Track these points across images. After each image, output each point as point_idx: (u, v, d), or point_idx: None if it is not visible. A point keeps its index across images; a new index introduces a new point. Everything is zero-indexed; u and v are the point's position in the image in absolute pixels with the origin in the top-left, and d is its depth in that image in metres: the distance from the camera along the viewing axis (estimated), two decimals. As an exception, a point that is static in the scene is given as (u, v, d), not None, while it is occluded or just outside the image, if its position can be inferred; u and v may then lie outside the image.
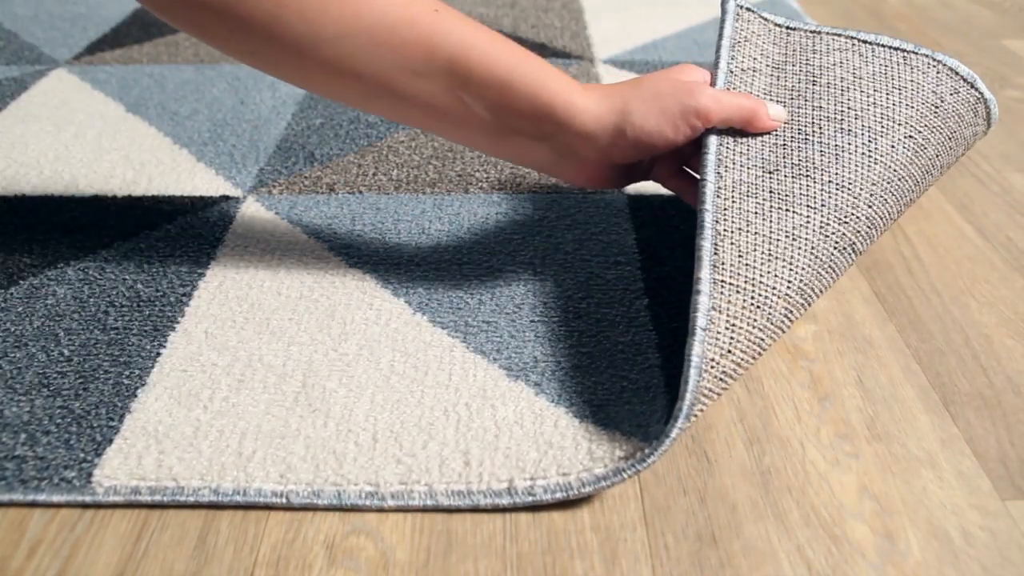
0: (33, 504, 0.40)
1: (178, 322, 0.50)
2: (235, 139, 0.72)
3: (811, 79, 0.49)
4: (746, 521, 0.39)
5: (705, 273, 0.41)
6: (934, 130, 0.47)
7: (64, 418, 0.44)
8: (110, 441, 0.42)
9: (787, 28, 0.53)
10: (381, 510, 0.40)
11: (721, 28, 0.51)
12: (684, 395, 0.38)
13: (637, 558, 0.38)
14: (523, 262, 0.56)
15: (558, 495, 0.39)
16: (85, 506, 0.40)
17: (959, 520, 0.39)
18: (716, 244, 0.42)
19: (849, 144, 0.45)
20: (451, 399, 0.45)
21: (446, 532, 0.39)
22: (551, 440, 0.42)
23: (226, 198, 0.63)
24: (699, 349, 0.38)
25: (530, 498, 0.39)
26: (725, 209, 0.43)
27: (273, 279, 0.54)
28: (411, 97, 0.44)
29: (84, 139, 0.71)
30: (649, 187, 0.63)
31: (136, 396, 0.45)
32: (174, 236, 0.58)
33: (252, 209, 0.62)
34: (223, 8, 0.40)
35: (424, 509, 0.40)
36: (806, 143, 0.46)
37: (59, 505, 0.40)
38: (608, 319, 0.50)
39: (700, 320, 0.39)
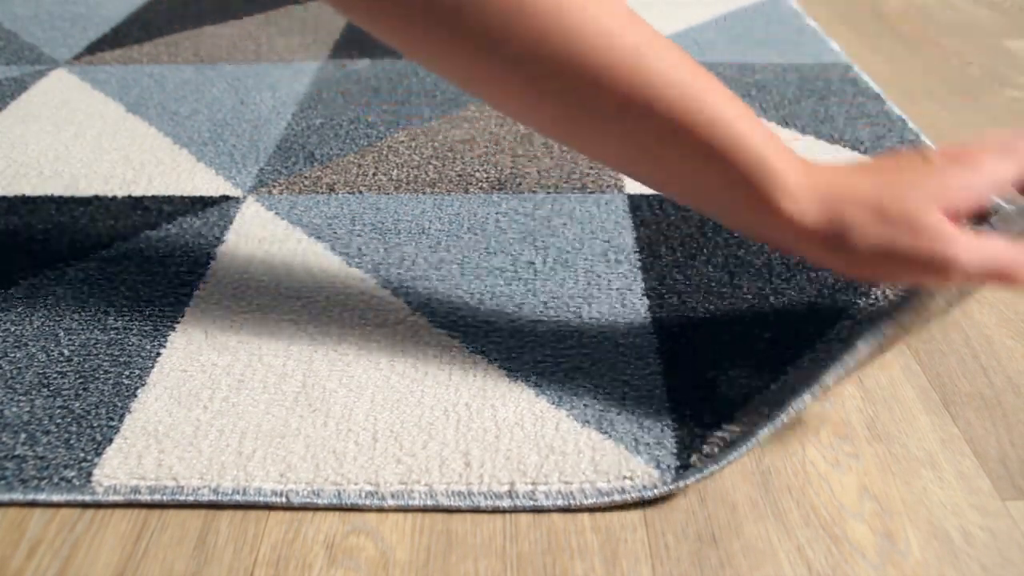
0: (33, 504, 0.40)
1: (178, 322, 0.50)
2: (235, 139, 0.72)
3: None
4: (746, 521, 0.39)
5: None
6: None
7: (64, 418, 0.44)
8: (110, 441, 0.42)
9: None
10: (381, 510, 0.40)
11: None
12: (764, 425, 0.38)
13: (637, 558, 0.38)
14: (523, 262, 0.56)
15: (559, 502, 0.39)
16: (85, 506, 0.40)
17: (959, 520, 0.39)
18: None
19: None
20: (451, 399, 0.45)
21: (446, 532, 0.39)
22: (552, 444, 0.42)
23: (226, 198, 0.63)
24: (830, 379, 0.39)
25: (531, 503, 0.39)
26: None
27: (273, 279, 0.54)
28: (598, 140, 0.37)
29: (84, 139, 0.71)
30: (649, 187, 0.63)
31: (136, 396, 0.45)
32: (174, 236, 0.58)
33: (252, 209, 0.62)
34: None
35: (424, 509, 0.40)
36: None
37: (59, 505, 0.40)
38: (608, 320, 0.50)
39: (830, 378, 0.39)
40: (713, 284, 0.53)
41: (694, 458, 0.40)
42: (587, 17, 0.34)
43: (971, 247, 0.34)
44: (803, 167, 0.36)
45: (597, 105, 0.35)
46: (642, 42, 0.35)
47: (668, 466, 0.40)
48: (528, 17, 0.34)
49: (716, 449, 0.40)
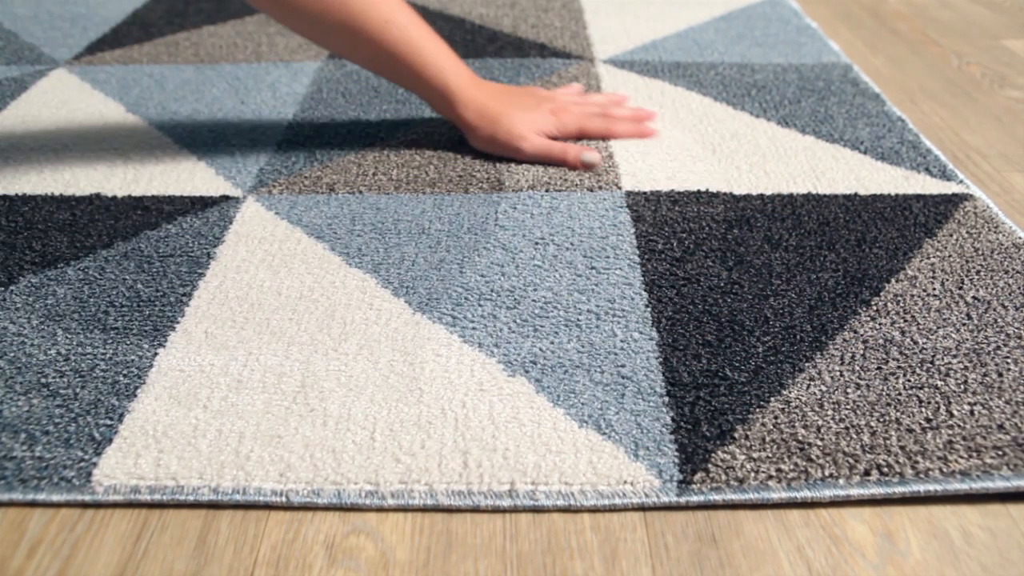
0: (33, 504, 0.40)
1: (178, 322, 0.50)
2: (235, 139, 0.72)
3: None
4: (746, 521, 0.39)
5: None
6: None
7: (63, 418, 0.44)
8: (109, 440, 0.42)
9: None
10: (381, 509, 0.40)
11: None
12: None
13: (637, 558, 0.38)
14: (523, 259, 0.56)
15: (560, 503, 0.39)
16: (85, 506, 0.40)
17: (959, 520, 0.39)
18: None
19: None
20: (449, 398, 0.45)
21: (446, 532, 0.39)
22: (549, 444, 0.42)
23: (226, 198, 0.63)
24: None
25: (532, 502, 0.39)
26: None
27: (273, 279, 0.54)
28: (369, 64, 0.66)
29: (84, 139, 0.71)
30: (649, 184, 0.63)
31: (135, 396, 0.45)
32: (174, 236, 0.58)
33: (252, 209, 0.62)
34: None
35: (424, 509, 0.40)
36: None
37: (59, 505, 0.40)
38: (608, 318, 0.50)
39: None
40: (712, 279, 0.53)
41: (698, 476, 0.40)
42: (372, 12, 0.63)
43: (534, 146, 0.67)
44: (475, 90, 0.67)
45: (368, 53, 0.65)
46: (395, 20, 0.63)
47: (671, 477, 0.40)
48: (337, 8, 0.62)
49: (722, 476, 0.40)
